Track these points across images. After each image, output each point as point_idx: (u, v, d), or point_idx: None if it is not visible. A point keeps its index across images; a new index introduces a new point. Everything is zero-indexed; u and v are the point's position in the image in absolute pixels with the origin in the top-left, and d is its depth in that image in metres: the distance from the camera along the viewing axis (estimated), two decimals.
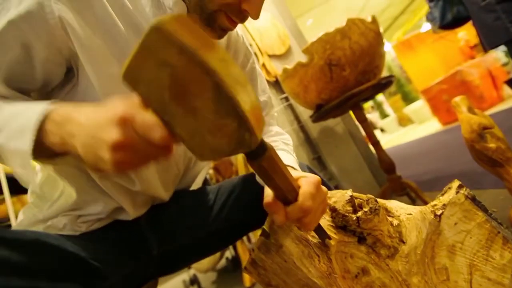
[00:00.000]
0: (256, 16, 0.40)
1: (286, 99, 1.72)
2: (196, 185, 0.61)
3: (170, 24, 0.20)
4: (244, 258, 1.48)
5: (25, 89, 0.36)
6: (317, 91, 1.20)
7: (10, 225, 1.67)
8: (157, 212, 0.49)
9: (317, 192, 0.33)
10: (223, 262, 2.04)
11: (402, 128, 7.27)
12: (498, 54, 3.69)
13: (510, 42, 1.18)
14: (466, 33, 4.92)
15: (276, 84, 1.67)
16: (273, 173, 0.29)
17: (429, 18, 1.44)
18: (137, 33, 0.39)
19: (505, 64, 3.58)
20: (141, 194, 0.45)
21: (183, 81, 0.21)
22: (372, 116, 8.10)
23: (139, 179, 0.42)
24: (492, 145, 0.71)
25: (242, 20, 0.41)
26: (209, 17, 0.40)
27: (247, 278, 1.40)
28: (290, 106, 1.73)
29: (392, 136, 6.76)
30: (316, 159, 1.71)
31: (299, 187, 0.32)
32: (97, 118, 0.25)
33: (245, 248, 1.56)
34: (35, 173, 0.46)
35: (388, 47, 6.18)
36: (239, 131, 0.23)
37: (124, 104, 0.25)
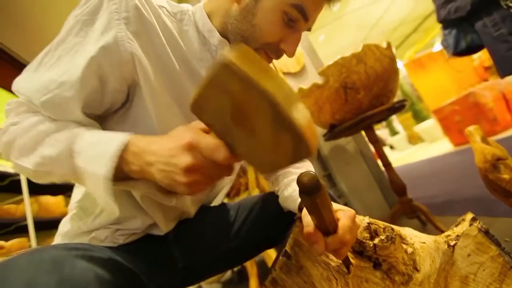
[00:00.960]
0: (291, 55, 0.44)
1: None
2: (217, 201, 0.64)
3: (235, 59, 0.23)
4: (251, 271, 1.48)
5: (91, 114, 0.40)
6: (331, 112, 1.24)
7: (26, 225, 1.73)
8: (182, 228, 0.52)
9: (354, 225, 0.36)
10: (228, 274, 2.04)
11: (412, 146, 7.19)
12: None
13: None
14: (481, 53, 4.91)
15: None
16: (323, 208, 0.31)
17: (444, 44, 1.47)
18: (187, 68, 0.45)
19: None
20: (173, 211, 0.48)
21: (243, 106, 0.25)
22: (382, 132, 8.06)
23: (177, 196, 0.46)
24: (506, 176, 0.73)
25: (278, 57, 0.45)
26: None
27: None
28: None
29: (402, 154, 6.68)
30: (327, 176, 1.73)
31: (338, 219, 0.35)
32: (168, 147, 0.30)
33: (252, 261, 1.57)
34: (76, 188, 0.51)
35: (399, 65, 6.21)
36: (296, 145, 0.25)
37: (188, 131, 0.30)
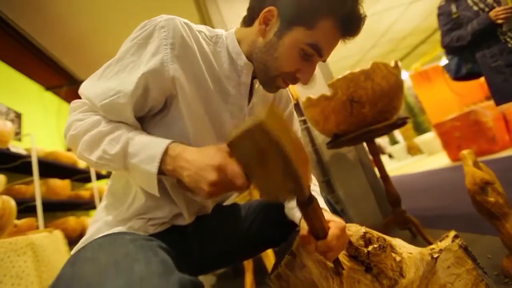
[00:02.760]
0: (306, 83, 0.51)
1: (304, 121, 1.83)
2: (230, 201, 0.71)
3: (268, 121, 0.31)
4: (248, 266, 1.56)
5: (135, 115, 0.49)
6: (336, 122, 1.31)
7: (35, 205, 1.80)
8: (200, 222, 0.59)
9: (341, 235, 0.44)
10: None
11: (410, 157, 7.27)
12: None
13: None
14: None
15: (295, 106, 1.78)
16: (314, 218, 0.41)
17: (446, 68, 1.55)
18: (217, 84, 0.52)
19: None
20: (194, 204, 0.55)
21: (266, 156, 0.33)
22: (382, 141, 8.13)
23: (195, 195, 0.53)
24: (491, 199, 0.80)
25: (294, 83, 0.52)
26: (269, 79, 0.52)
27: (248, 285, 1.48)
28: (307, 129, 1.83)
29: (400, 164, 6.76)
30: (325, 182, 1.80)
31: (329, 228, 0.43)
32: (201, 161, 0.39)
33: None
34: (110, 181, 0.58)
35: (405, 76, 6.27)
36: (296, 189, 0.36)
37: (219, 154, 0.39)
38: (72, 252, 0.50)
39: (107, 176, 3.07)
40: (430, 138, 5.72)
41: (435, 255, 0.54)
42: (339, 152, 1.81)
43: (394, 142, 7.94)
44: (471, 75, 1.49)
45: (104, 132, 0.45)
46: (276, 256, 1.54)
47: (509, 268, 0.78)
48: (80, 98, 0.51)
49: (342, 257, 0.53)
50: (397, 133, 7.87)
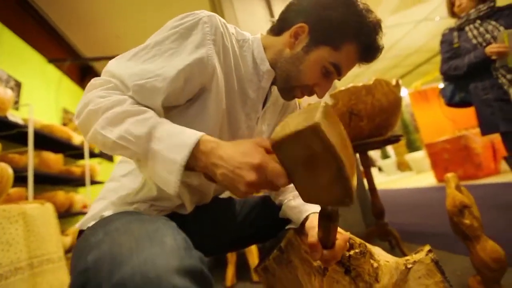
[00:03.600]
0: (321, 97, 0.55)
1: None
2: (227, 194, 0.75)
3: (322, 124, 0.27)
4: (231, 258, 1.60)
5: (157, 105, 0.46)
6: None
7: (26, 176, 1.80)
8: (199, 211, 0.63)
9: (345, 246, 0.48)
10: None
11: (399, 172, 7.42)
12: None
13: (502, 134, 1.38)
14: None
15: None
16: (332, 231, 0.41)
17: (442, 93, 1.63)
18: (240, 86, 0.54)
19: None
20: (196, 195, 0.59)
21: (317, 160, 0.30)
22: (374, 153, 8.27)
23: (205, 185, 0.56)
24: (467, 221, 0.86)
25: (310, 96, 0.56)
26: (289, 88, 0.56)
27: (229, 278, 1.53)
28: None
29: (388, 178, 6.90)
30: None
31: (336, 239, 0.46)
32: (238, 159, 0.35)
33: None
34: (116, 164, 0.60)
35: (404, 93, 6.39)
36: (344, 197, 0.30)
37: (258, 152, 0.35)
38: (79, 225, 0.53)
39: (100, 155, 3.07)
40: (420, 156, 5.86)
41: (409, 266, 0.59)
42: None
43: (385, 156, 8.09)
44: (463, 103, 1.58)
45: (131, 112, 0.41)
46: (261, 252, 1.59)
47: (474, 286, 0.84)
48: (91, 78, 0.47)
49: None
50: (389, 148, 8.01)
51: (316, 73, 0.52)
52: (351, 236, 0.60)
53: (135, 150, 0.40)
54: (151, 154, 0.39)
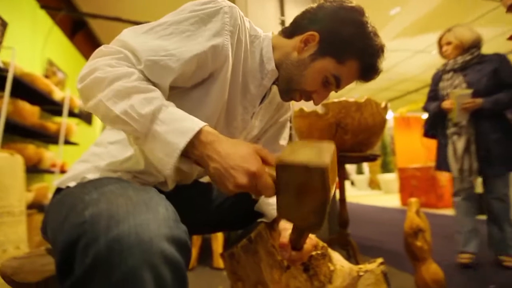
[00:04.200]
0: (317, 104, 0.58)
1: (290, 128, 1.92)
2: (206, 179, 0.78)
3: (329, 168, 0.31)
4: (196, 242, 1.63)
5: (165, 84, 0.46)
6: (318, 139, 1.41)
7: None
8: (179, 191, 0.65)
9: (312, 250, 0.53)
10: None
11: (369, 189, 7.76)
12: None
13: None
14: None
15: None
16: (304, 238, 0.46)
17: (424, 126, 1.77)
18: (243, 79, 0.56)
19: None
20: (180, 175, 0.60)
21: (310, 191, 0.33)
22: (350, 167, 8.57)
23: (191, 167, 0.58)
24: (419, 243, 0.94)
25: (307, 101, 0.59)
26: (289, 90, 0.58)
27: (191, 260, 1.56)
28: (290, 136, 1.93)
29: (359, 193, 7.20)
30: None
31: (305, 243, 0.49)
32: (235, 160, 0.36)
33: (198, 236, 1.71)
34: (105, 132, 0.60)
35: (389, 116, 6.66)
36: (314, 225, 0.35)
37: (256, 161, 0.37)
38: (58, 183, 0.53)
39: (79, 116, 2.95)
40: (391, 178, 6.18)
41: (361, 273, 0.65)
42: None
43: (360, 172, 8.41)
44: (434, 138, 1.74)
45: (139, 88, 0.40)
46: (226, 241, 1.63)
47: None
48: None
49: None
50: (365, 165, 8.34)
51: (317, 81, 0.55)
52: (316, 238, 0.65)
53: (136, 128, 0.40)
54: (152, 134, 0.40)
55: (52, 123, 2.49)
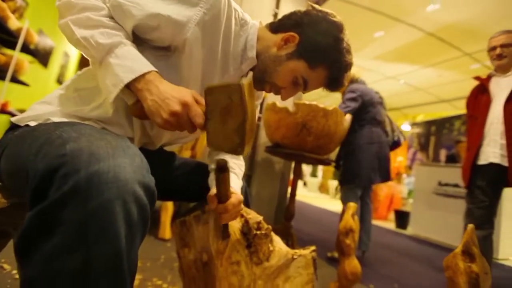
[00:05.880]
0: (284, 99, 0.63)
1: (259, 119, 1.98)
2: (171, 149, 0.79)
3: (246, 87, 0.41)
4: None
5: (135, 34, 0.51)
6: (283, 135, 1.49)
7: None
8: (144, 154, 0.66)
9: (237, 205, 0.58)
10: None
11: (318, 192, 8.30)
12: (404, 188, 4.70)
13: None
14: (403, 158, 6.12)
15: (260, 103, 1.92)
16: (222, 184, 0.52)
17: None
18: (224, 59, 0.58)
19: (404, 198, 4.59)
20: (147, 137, 0.61)
21: (232, 109, 0.42)
22: (306, 168, 9.04)
23: (159, 130, 0.60)
24: (348, 241, 1.08)
25: (276, 94, 0.64)
26: (262, 80, 0.62)
27: None
28: (257, 126, 1.99)
29: (308, 194, 7.65)
30: (247, 176, 1.99)
31: (230, 197, 0.56)
32: (171, 94, 0.43)
33: None
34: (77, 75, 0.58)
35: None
36: (239, 145, 0.44)
37: (189, 95, 0.44)
38: (16, 120, 0.51)
39: (35, 54, 2.63)
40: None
41: (295, 257, 0.74)
42: (271, 158, 2.02)
43: (314, 175, 8.92)
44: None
45: (103, 23, 0.46)
46: (176, 213, 1.65)
47: None
48: None
49: (236, 230, 0.68)
50: (319, 169, 8.86)
51: (287, 79, 0.59)
52: (263, 221, 0.71)
53: (93, 54, 0.45)
54: (105, 64, 0.45)
55: (1, 55, 2.19)
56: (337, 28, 0.59)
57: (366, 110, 1.77)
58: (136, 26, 0.49)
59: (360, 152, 1.73)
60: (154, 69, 0.45)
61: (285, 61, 0.59)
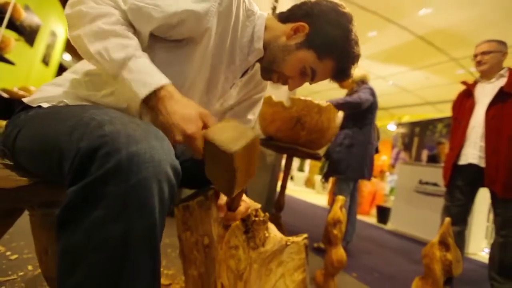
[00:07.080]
0: (291, 90, 0.65)
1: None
2: None
3: (238, 154, 0.39)
4: None
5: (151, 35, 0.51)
6: (277, 128, 1.53)
7: None
8: None
9: (245, 213, 0.63)
10: None
11: (304, 187, 8.47)
12: (387, 185, 4.90)
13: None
14: (387, 157, 6.32)
15: None
16: (237, 200, 0.57)
17: None
18: (230, 50, 0.59)
19: (386, 195, 4.78)
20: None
21: (221, 165, 0.42)
22: (294, 162, 9.17)
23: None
24: (335, 232, 1.14)
25: (283, 84, 0.65)
26: (269, 70, 0.63)
27: None
28: None
29: (294, 188, 7.80)
30: None
31: (239, 206, 0.59)
32: (177, 120, 0.42)
33: None
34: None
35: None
36: (227, 193, 0.47)
37: (196, 126, 0.43)
38: (28, 100, 0.52)
39: (22, 32, 2.52)
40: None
41: (288, 243, 0.79)
42: (263, 151, 2.06)
43: (301, 169, 9.07)
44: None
45: (117, 33, 0.44)
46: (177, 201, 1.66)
47: (318, 276, 1.14)
48: None
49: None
50: (306, 164, 9.01)
51: (296, 68, 0.60)
52: (260, 209, 0.75)
53: (107, 69, 0.44)
54: (120, 79, 0.44)
55: None
56: (347, 19, 0.59)
57: (372, 111, 1.95)
58: (157, 27, 0.49)
59: (360, 148, 1.89)
60: (165, 81, 0.44)
61: (294, 50, 0.59)
